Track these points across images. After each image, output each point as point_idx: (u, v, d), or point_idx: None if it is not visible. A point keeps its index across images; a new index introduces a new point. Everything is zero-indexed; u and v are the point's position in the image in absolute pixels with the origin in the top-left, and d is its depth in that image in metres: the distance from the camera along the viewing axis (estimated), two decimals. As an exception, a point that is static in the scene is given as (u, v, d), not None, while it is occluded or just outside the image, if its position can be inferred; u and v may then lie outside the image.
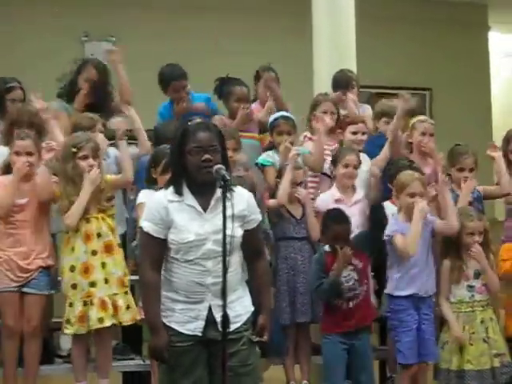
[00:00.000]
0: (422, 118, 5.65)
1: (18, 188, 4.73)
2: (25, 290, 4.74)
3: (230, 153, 4.88)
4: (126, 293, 4.73)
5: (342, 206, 5.02)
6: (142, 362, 5.18)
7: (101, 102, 5.68)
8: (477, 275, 4.88)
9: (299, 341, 5.15)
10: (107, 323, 4.63)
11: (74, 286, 4.70)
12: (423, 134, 5.46)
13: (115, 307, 4.66)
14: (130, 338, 5.21)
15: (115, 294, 4.68)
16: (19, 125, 5.06)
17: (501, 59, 11.67)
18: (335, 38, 6.67)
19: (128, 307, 4.70)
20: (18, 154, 4.75)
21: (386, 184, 5.25)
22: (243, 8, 9.23)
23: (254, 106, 6.03)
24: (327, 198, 5.19)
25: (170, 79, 5.81)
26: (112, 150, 5.25)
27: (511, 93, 11.65)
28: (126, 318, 4.70)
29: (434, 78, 10.16)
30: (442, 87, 10.20)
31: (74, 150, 4.64)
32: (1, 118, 5.44)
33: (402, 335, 4.87)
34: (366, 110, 6.22)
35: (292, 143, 5.39)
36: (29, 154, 4.77)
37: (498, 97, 11.13)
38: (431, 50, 10.12)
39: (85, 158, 4.66)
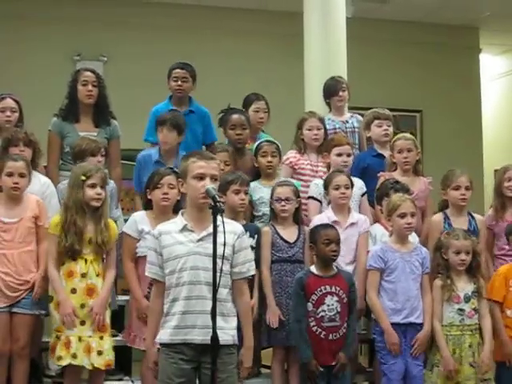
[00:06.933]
0: (398, 135, 5.72)
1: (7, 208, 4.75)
2: (14, 310, 4.70)
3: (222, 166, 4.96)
4: (101, 338, 4.63)
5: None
6: (130, 383, 5.15)
7: (102, 102, 5.74)
8: (467, 299, 4.87)
9: (289, 363, 5.07)
10: (63, 362, 4.56)
11: (50, 317, 4.72)
12: (400, 151, 5.55)
13: (88, 349, 4.58)
14: (119, 358, 5.17)
15: (89, 337, 4.60)
16: (15, 143, 5.08)
17: (492, 81, 11.74)
18: (326, 61, 6.75)
19: (100, 353, 4.61)
20: (10, 174, 4.75)
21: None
22: (236, 30, 9.29)
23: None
24: (323, 219, 5.18)
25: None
26: None
27: (502, 114, 11.72)
28: (98, 363, 4.59)
29: (425, 100, 10.22)
30: (432, 109, 10.25)
31: (84, 178, 4.65)
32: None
33: (387, 358, 4.86)
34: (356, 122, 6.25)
35: (275, 165, 5.53)
36: (21, 175, 4.78)
37: (488, 118, 11.19)
38: (422, 71, 10.19)
39: (93, 186, 4.65)
